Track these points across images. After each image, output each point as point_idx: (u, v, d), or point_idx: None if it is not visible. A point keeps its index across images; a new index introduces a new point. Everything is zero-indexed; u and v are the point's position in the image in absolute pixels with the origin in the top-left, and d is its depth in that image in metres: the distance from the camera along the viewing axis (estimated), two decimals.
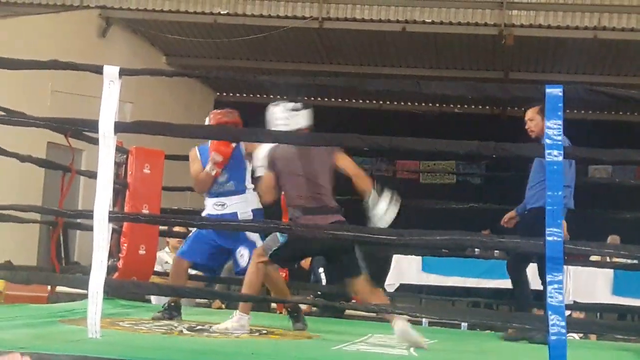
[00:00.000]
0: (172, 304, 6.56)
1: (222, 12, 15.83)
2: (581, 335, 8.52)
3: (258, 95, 19.90)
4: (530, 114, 6.96)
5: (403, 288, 10.47)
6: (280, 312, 9.01)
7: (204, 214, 6.65)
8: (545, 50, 16.21)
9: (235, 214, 6.48)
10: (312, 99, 18.93)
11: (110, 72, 4.87)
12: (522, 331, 6.52)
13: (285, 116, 5.87)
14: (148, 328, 5.82)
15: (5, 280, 7.02)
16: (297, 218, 5.70)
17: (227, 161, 6.48)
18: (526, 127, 6.97)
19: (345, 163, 5.80)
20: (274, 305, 9.40)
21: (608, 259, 10.06)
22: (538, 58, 16.73)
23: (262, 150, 5.97)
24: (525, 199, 6.98)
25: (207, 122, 6.58)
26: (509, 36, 15.17)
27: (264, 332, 5.98)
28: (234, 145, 6.48)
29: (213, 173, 6.47)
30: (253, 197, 6.56)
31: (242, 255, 6.47)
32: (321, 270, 9.99)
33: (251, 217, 6.46)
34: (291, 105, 5.93)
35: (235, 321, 5.77)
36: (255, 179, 6.43)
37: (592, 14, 15.15)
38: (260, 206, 6.53)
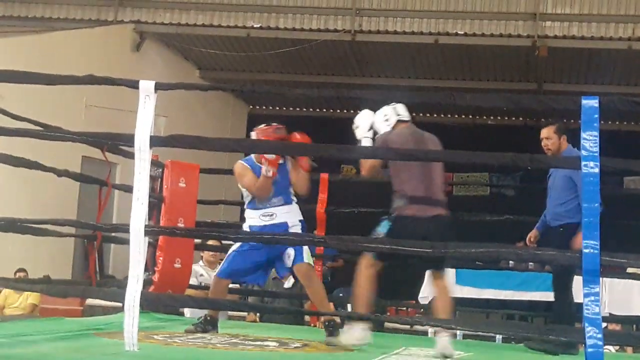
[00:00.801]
0: (209, 317, 6.56)
1: (255, 26, 15.90)
2: (617, 347, 8.46)
3: (291, 109, 19.95)
4: (547, 132, 6.95)
5: None
6: (315, 325, 9.02)
7: (246, 225, 6.52)
8: (579, 62, 16.13)
9: (285, 223, 6.37)
10: (345, 111, 19.01)
11: (146, 86, 4.89)
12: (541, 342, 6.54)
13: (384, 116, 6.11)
14: (182, 341, 5.83)
15: (43, 293, 7.08)
16: (401, 207, 5.80)
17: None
18: (542, 144, 6.97)
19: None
20: (307, 318, 9.40)
21: None
22: (572, 69, 16.64)
23: (366, 124, 6.14)
24: (553, 215, 6.94)
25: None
26: (542, 47, 15.12)
27: (299, 345, 5.97)
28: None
29: (270, 174, 6.27)
30: (298, 209, 6.53)
31: (289, 255, 6.30)
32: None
33: (300, 227, 6.40)
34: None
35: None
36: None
37: (626, 24, 15.05)
38: (302, 217, 6.51)
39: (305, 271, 6.35)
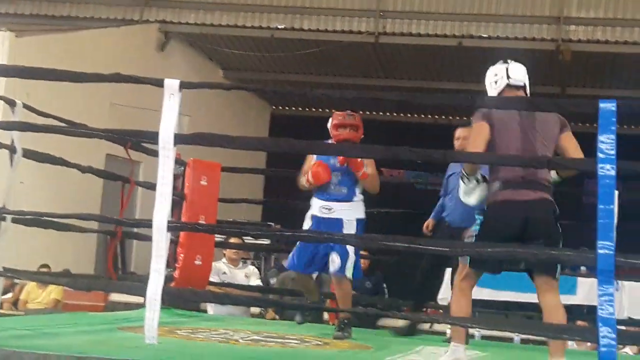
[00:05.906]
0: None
1: (279, 27, 15.98)
2: (635, 351, 8.48)
3: (313, 109, 20.02)
4: (462, 132, 6.78)
5: None
6: (333, 324, 9.07)
7: (309, 214, 6.55)
8: (603, 66, 16.11)
9: (340, 220, 6.38)
10: (367, 113, 19.05)
11: (171, 85, 4.96)
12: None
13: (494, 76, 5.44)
14: (205, 336, 5.90)
15: (67, 286, 7.18)
16: (494, 193, 4.88)
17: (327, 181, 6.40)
18: (458, 145, 6.81)
19: (570, 145, 4.97)
20: (326, 316, 9.45)
21: None
22: (595, 73, 16.63)
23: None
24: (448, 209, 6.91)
25: (329, 123, 6.53)
26: (566, 51, 15.12)
27: (320, 343, 6.03)
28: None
29: (306, 185, 6.50)
30: (360, 206, 6.50)
31: (334, 262, 6.31)
32: None
33: (354, 225, 6.38)
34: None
35: (449, 355, 5.02)
36: None
37: None
38: (364, 217, 6.48)
39: (339, 283, 6.47)
